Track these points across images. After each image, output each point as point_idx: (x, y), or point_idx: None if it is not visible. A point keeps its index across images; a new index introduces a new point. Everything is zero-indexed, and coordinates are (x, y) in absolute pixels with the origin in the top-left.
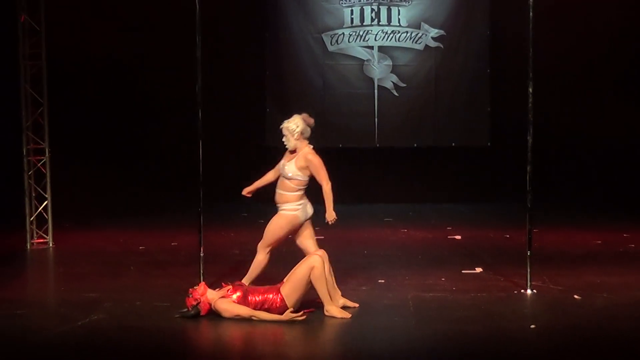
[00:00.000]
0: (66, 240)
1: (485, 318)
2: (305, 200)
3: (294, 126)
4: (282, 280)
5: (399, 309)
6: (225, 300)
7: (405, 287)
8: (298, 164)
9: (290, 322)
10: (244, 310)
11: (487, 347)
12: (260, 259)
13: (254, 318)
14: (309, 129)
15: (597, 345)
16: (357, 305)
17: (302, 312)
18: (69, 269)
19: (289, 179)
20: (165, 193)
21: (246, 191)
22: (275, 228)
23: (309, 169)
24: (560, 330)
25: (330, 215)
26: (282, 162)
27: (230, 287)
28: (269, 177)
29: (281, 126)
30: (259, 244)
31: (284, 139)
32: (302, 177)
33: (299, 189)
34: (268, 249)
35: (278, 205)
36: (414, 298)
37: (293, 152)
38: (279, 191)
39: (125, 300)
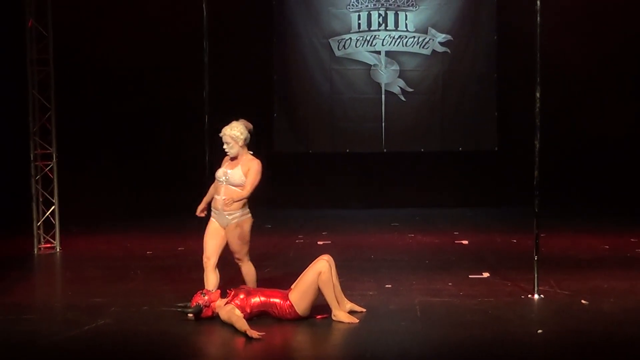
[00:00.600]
0: (73, 245)
1: (492, 323)
2: None
3: (238, 133)
4: (290, 286)
5: (406, 313)
6: (228, 307)
7: (412, 291)
8: (244, 169)
9: (294, 325)
10: (234, 319)
11: (494, 352)
12: (247, 268)
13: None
14: (249, 135)
15: (605, 351)
16: (364, 310)
17: (261, 333)
18: (76, 273)
19: (237, 185)
20: (172, 198)
21: (200, 210)
22: (242, 239)
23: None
24: (567, 335)
25: (229, 200)
26: (222, 169)
27: (234, 291)
28: (212, 190)
29: (221, 133)
30: (238, 258)
31: (225, 146)
32: None
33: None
34: (247, 257)
35: (229, 213)
36: (420, 303)
37: (234, 159)
38: (227, 198)
39: (132, 305)
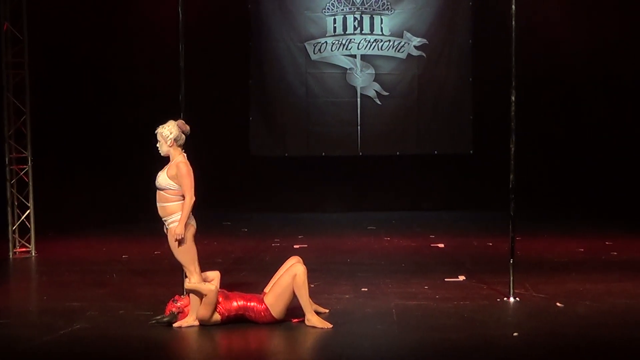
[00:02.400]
0: (49, 249)
1: (468, 326)
2: None
3: (168, 132)
4: (263, 289)
5: (382, 317)
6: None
7: (388, 295)
8: (170, 173)
9: (270, 329)
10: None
11: (470, 355)
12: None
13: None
14: (183, 137)
15: (580, 353)
16: (327, 310)
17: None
18: (52, 277)
19: (163, 189)
20: (148, 202)
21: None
22: (182, 248)
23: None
24: (542, 338)
25: (178, 231)
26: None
27: None
28: None
29: (156, 131)
30: (185, 270)
31: (157, 145)
32: (175, 187)
33: (179, 198)
34: (194, 269)
35: (165, 219)
36: (397, 306)
37: (169, 161)
38: (160, 205)
39: (108, 309)
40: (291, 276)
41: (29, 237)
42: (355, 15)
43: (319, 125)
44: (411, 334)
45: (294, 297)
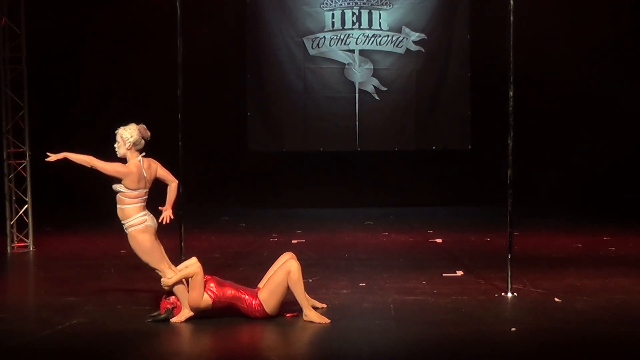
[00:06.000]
0: (46, 244)
1: (466, 321)
2: (147, 211)
3: (128, 135)
4: (257, 284)
5: (380, 312)
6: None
7: (386, 290)
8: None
9: (267, 324)
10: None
11: (468, 351)
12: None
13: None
14: (142, 141)
15: (577, 348)
16: (325, 305)
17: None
18: (50, 272)
19: (118, 192)
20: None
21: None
22: (145, 250)
23: (131, 179)
24: (540, 333)
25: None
26: None
27: (205, 278)
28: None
29: (116, 131)
30: (161, 273)
31: (115, 145)
32: (128, 190)
33: (135, 201)
34: (163, 266)
35: (123, 222)
36: (394, 301)
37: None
38: (118, 206)
39: (106, 304)
40: (285, 272)
41: (27, 232)
42: (353, 10)
43: (317, 120)
44: (409, 329)
45: (289, 292)
